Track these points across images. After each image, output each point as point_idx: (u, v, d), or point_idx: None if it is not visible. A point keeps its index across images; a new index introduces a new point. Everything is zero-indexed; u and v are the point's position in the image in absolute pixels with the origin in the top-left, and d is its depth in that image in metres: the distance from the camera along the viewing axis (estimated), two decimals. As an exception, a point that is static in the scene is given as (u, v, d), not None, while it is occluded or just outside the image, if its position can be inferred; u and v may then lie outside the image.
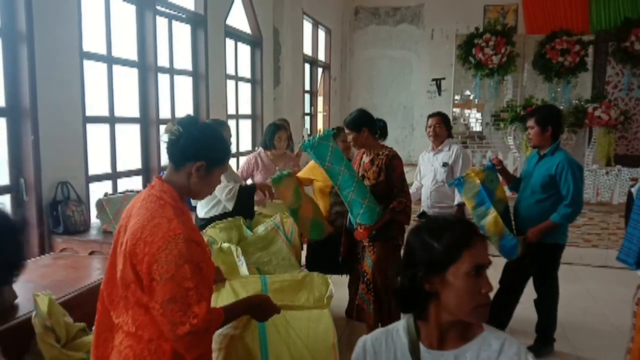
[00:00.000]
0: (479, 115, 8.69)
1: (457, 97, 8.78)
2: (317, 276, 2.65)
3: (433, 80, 10.02)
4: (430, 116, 4.41)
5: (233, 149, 6.17)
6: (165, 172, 1.76)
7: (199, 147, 1.67)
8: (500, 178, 3.68)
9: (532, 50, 8.23)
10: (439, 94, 9.99)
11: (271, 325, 2.21)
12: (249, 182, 4.26)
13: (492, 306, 1.34)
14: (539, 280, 3.73)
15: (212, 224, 3.23)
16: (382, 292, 3.36)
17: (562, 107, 7.88)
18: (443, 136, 4.32)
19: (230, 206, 3.44)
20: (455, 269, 1.27)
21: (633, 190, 2.44)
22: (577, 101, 8.11)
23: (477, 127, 8.68)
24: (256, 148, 4.87)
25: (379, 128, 3.58)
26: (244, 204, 3.44)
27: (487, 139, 8.57)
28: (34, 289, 2.53)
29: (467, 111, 8.70)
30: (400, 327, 1.44)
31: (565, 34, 7.93)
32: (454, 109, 8.68)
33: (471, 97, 8.75)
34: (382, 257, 3.35)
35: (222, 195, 3.45)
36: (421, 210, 4.45)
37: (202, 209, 3.58)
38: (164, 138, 1.71)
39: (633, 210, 2.24)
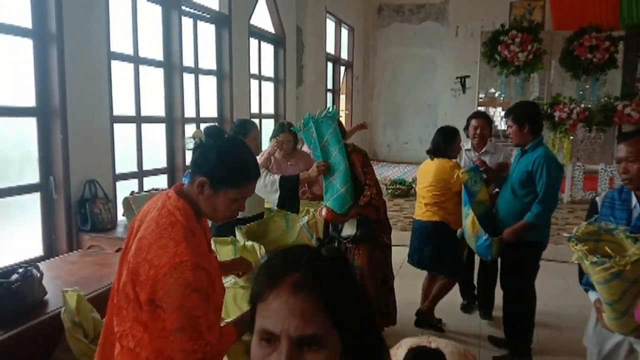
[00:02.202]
0: (504, 113, 8.55)
1: (481, 95, 8.66)
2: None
3: (457, 78, 9.91)
4: (473, 117, 4.28)
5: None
6: (181, 187, 1.66)
7: (207, 161, 1.56)
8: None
9: (560, 47, 8.05)
10: (464, 92, 9.87)
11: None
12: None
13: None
14: (506, 278, 3.50)
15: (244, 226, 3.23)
16: (375, 298, 3.30)
17: (590, 105, 7.69)
18: (487, 137, 4.25)
19: (274, 199, 3.34)
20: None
21: (598, 199, 2.31)
22: (606, 99, 7.90)
23: (502, 126, 8.55)
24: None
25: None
26: (289, 195, 3.34)
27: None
28: (62, 285, 2.58)
29: (492, 109, 8.58)
30: None
31: (594, 29, 7.73)
32: (479, 107, 8.56)
33: (496, 95, 8.62)
34: (369, 263, 3.32)
35: (264, 191, 3.36)
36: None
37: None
38: (189, 145, 1.67)
39: (599, 220, 2.13)
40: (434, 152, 3.80)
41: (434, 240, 3.73)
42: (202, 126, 5.12)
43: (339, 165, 3.19)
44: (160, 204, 1.57)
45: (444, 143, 3.75)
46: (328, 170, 3.20)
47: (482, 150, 4.19)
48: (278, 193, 3.32)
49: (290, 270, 0.81)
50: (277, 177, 3.38)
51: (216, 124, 3.53)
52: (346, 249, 3.37)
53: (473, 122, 4.19)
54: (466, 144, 4.28)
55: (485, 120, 4.21)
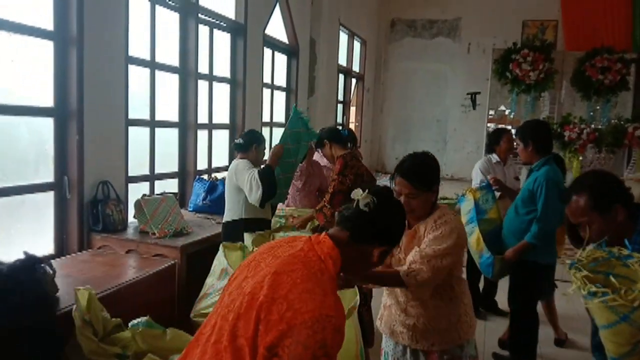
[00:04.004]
0: (514, 131, 8.56)
1: (492, 112, 8.69)
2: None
3: (468, 94, 9.95)
4: (506, 132, 4.58)
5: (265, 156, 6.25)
6: (334, 234, 1.51)
7: (385, 230, 1.53)
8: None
9: (571, 67, 8.08)
10: (474, 108, 9.90)
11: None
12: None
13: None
14: (509, 295, 3.51)
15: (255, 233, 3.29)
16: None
17: (600, 126, 7.70)
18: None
19: (258, 197, 3.30)
20: None
21: None
22: (616, 120, 7.91)
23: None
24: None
25: (344, 137, 3.72)
26: (269, 186, 3.35)
27: (522, 156, 8.43)
28: (73, 283, 2.62)
29: (501, 127, 8.59)
30: None
31: (606, 51, 7.76)
32: (489, 124, 8.59)
33: (506, 113, 8.64)
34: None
35: (250, 193, 3.34)
36: None
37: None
38: (362, 205, 1.53)
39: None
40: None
41: None
42: (214, 132, 5.18)
43: (291, 157, 3.67)
44: (306, 246, 1.43)
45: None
46: (280, 153, 3.57)
47: (509, 163, 4.55)
48: (260, 189, 3.30)
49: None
50: (255, 172, 3.37)
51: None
52: None
53: (505, 137, 4.51)
54: (493, 158, 4.57)
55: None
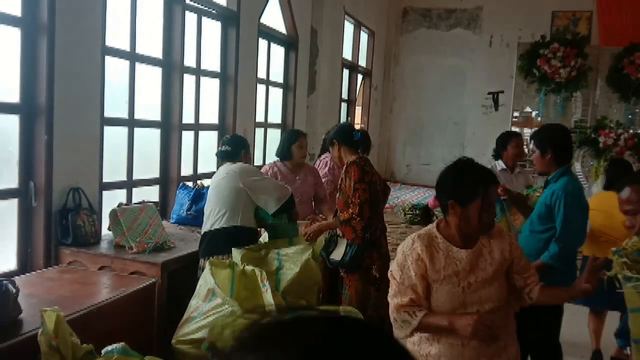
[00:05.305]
0: (530, 135, 8.58)
1: (516, 114, 8.73)
2: (352, 312, 2.69)
3: (489, 93, 9.98)
4: (515, 136, 4.57)
5: (259, 161, 6.26)
6: None
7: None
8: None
9: (607, 64, 8.13)
10: (496, 110, 9.93)
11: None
12: None
13: None
14: (529, 324, 3.17)
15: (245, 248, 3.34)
16: None
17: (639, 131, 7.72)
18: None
19: (274, 206, 3.56)
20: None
21: None
22: (658, 124, 7.95)
23: (538, 149, 8.58)
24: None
25: (357, 139, 3.67)
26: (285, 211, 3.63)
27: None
28: (38, 304, 2.62)
29: (527, 130, 8.61)
30: None
31: (647, 46, 7.81)
32: (513, 128, 8.61)
33: (533, 115, 8.67)
34: (358, 297, 3.38)
35: (274, 194, 3.57)
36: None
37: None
38: None
39: None
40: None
41: None
42: (201, 133, 5.19)
43: None
44: None
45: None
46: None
47: (517, 171, 4.46)
48: (279, 205, 3.53)
49: None
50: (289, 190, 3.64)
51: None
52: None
53: (514, 141, 4.41)
54: (498, 165, 4.45)
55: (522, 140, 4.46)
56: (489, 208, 2.07)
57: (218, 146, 3.96)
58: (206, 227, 3.59)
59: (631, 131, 7.40)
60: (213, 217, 3.56)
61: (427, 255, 2.05)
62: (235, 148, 3.67)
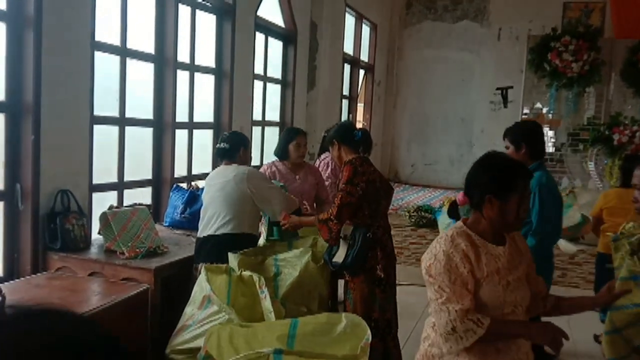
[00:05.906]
0: (552, 133, 8.60)
1: (526, 110, 8.74)
2: (355, 319, 2.69)
3: (498, 89, 9.97)
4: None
5: (257, 160, 6.27)
6: None
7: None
8: None
9: (621, 57, 8.14)
10: (505, 106, 9.93)
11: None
12: None
13: None
14: None
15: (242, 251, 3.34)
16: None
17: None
18: None
19: (277, 211, 3.62)
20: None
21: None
22: (675, 121, 7.95)
23: (550, 148, 8.59)
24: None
25: (357, 139, 3.66)
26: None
27: (563, 163, 8.45)
28: (26, 312, 2.62)
29: (538, 128, 8.64)
30: None
31: (663, 39, 7.82)
32: (523, 125, 8.63)
33: (544, 111, 8.69)
34: (363, 299, 3.37)
35: (282, 204, 3.62)
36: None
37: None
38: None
39: None
40: None
41: None
42: (195, 132, 5.20)
43: None
44: None
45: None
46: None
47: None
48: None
49: None
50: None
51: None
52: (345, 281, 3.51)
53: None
54: None
55: None
56: (526, 202, 2.06)
57: (216, 144, 3.96)
58: (208, 231, 3.56)
59: (647, 128, 7.40)
60: (218, 222, 3.54)
61: (472, 252, 1.99)
62: (233, 146, 3.67)
